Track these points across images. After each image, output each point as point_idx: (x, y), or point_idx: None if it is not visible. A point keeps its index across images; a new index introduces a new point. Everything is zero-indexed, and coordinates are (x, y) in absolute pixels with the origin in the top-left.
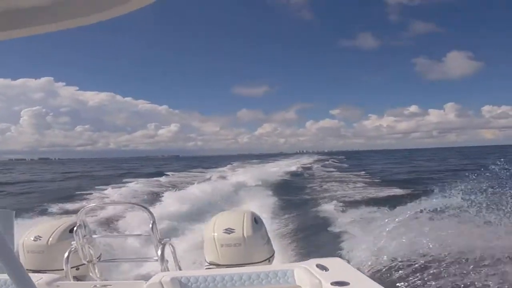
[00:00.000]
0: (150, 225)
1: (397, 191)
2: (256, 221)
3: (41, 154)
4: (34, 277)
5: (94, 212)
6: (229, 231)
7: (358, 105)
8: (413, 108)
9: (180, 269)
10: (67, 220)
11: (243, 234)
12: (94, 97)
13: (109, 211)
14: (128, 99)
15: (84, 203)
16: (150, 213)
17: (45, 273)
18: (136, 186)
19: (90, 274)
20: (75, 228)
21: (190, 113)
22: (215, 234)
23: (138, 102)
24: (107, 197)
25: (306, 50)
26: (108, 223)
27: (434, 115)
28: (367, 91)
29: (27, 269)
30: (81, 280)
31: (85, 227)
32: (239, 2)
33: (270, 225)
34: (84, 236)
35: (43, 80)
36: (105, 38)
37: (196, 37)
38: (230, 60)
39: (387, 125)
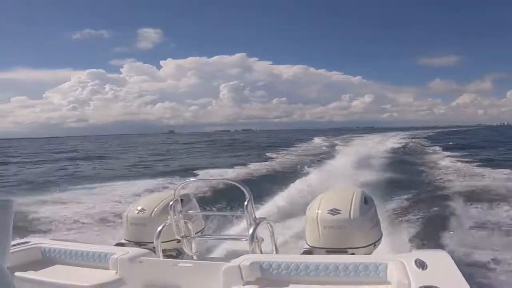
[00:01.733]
0: (246, 203)
1: None
2: (366, 201)
3: (241, 126)
4: (121, 250)
5: (201, 187)
6: (334, 212)
7: None
8: None
9: (276, 251)
10: (171, 194)
11: (349, 216)
12: (288, 70)
13: (215, 187)
14: (322, 71)
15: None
16: (247, 191)
17: (145, 245)
18: None
19: (184, 249)
20: (170, 203)
21: (381, 84)
22: (319, 214)
23: (332, 74)
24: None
25: (486, 17)
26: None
27: None
28: None
29: (128, 241)
30: (178, 254)
31: (185, 202)
32: None
33: (383, 205)
34: (180, 211)
35: (237, 56)
36: (296, 11)
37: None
38: (414, 29)
39: None
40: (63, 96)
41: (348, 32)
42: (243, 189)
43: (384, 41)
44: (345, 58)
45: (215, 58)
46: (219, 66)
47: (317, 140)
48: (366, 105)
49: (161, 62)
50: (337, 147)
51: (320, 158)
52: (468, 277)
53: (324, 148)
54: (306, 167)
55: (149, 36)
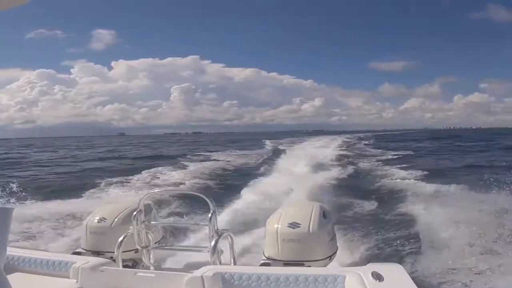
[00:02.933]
0: (210, 215)
1: None
2: (324, 215)
3: (191, 129)
4: (81, 259)
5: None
6: (294, 225)
7: (505, 79)
8: None
9: (235, 263)
10: (133, 203)
11: (308, 229)
12: (240, 73)
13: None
14: (273, 74)
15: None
16: (212, 203)
17: (103, 254)
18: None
19: (143, 259)
20: (134, 213)
21: (332, 88)
22: (279, 227)
23: (283, 77)
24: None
25: (437, 24)
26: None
27: None
28: (504, 65)
29: (87, 250)
30: (134, 264)
31: (146, 212)
32: None
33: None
34: (143, 221)
35: (190, 58)
36: (249, 14)
37: (335, 9)
38: (367, 33)
39: None
40: (11, 96)
41: (300, 36)
42: (208, 201)
43: (335, 45)
44: (297, 62)
45: (168, 59)
46: (171, 68)
47: (267, 143)
48: (315, 109)
49: (113, 63)
50: (285, 150)
51: (267, 161)
52: None
53: (271, 150)
54: (253, 171)
55: (103, 37)
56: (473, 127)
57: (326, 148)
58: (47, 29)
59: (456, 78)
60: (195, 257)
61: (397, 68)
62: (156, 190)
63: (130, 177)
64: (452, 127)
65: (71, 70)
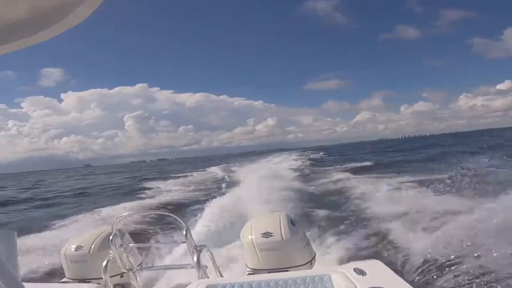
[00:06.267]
0: (184, 233)
1: None
2: (293, 223)
3: (153, 156)
4: (76, 286)
5: (133, 219)
6: (267, 235)
7: (439, 88)
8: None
9: (221, 275)
10: (106, 229)
11: (282, 237)
12: (190, 98)
13: (146, 219)
14: (223, 97)
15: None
16: (183, 221)
17: (89, 282)
18: None
19: (132, 282)
20: (110, 238)
21: (281, 107)
22: (253, 238)
23: (234, 100)
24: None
25: (355, 46)
26: (146, 232)
27: None
28: (435, 76)
29: (70, 279)
30: None
31: (121, 236)
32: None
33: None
34: (121, 245)
35: (138, 86)
36: (194, 39)
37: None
38: (297, 56)
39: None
40: None
41: (243, 59)
42: (179, 220)
43: (275, 68)
44: (245, 84)
45: (117, 89)
46: (121, 97)
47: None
48: (270, 128)
49: (62, 95)
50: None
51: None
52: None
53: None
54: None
55: (51, 75)
56: (427, 134)
57: (283, 163)
58: None
59: (394, 91)
60: (181, 275)
61: (332, 86)
62: (125, 214)
63: None
64: (406, 136)
65: (22, 104)
